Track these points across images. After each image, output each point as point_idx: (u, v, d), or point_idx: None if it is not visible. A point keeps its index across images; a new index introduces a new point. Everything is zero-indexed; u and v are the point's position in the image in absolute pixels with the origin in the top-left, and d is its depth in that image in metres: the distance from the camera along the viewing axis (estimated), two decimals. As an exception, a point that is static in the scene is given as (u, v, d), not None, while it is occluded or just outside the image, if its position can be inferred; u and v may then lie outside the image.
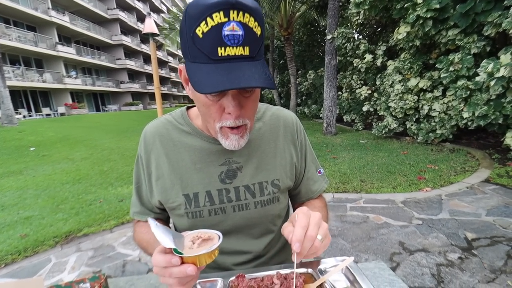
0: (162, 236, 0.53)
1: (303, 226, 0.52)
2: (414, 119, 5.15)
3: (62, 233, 2.69)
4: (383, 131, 5.59)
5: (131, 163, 5.13)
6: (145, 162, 0.78)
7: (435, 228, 2.37)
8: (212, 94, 0.56)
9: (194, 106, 0.80)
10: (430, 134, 4.86)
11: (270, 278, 0.72)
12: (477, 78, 3.72)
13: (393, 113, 5.33)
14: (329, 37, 6.56)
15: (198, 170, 0.76)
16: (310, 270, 0.75)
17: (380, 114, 5.99)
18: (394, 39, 5.14)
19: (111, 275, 2.00)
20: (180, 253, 0.50)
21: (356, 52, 6.54)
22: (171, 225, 0.92)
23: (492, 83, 3.44)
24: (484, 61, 3.62)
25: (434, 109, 4.66)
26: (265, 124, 0.81)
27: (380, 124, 5.75)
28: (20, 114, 15.61)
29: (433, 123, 4.80)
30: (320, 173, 0.89)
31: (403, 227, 2.43)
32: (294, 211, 0.96)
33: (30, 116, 16.98)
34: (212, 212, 0.77)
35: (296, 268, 0.60)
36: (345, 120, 8.11)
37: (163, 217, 0.87)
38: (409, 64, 4.95)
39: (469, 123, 4.12)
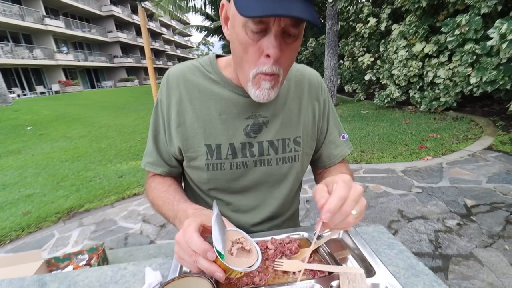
0: (217, 233, 0.47)
1: (341, 197, 0.49)
2: (418, 87, 4.99)
3: (64, 209, 2.72)
4: (385, 101, 5.45)
5: (129, 140, 5.09)
6: (166, 107, 0.75)
7: (434, 196, 2.37)
8: (253, 31, 0.53)
9: (222, 55, 0.78)
10: (434, 102, 4.73)
11: (264, 244, 0.68)
12: (489, 43, 3.51)
13: (396, 81, 5.15)
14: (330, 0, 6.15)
15: (223, 121, 0.73)
16: (306, 235, 0.72)
17: (382, 83, 5.81)
18: (400, 0, 4.80)
19: (110, 247, 2.04)
20: (221, 255, 0.46)
21: (359, 16, 6.17)
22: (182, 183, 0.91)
23: (503, 46, 3.24)
24: (498, 21, 3.39)
25: (439, 76, 4.49)
26: (290, 80, 0.78)
27: (382, 93, 5.60)
28: (14, 93, 15.31)
29: (437, 91, 4.65)
30: (343, 138, 0.86)
31: (403, 195, 2.43)
32: (316, 178, 0.93)
33: (25, 95, 16.68)
34: (233, 165, 0.75)
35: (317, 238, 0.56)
36: (346, 91, 7.91)
37: (177, 173, 0.85)
38: (414, 28, 4.68)
39: (474, 90, 3.98)
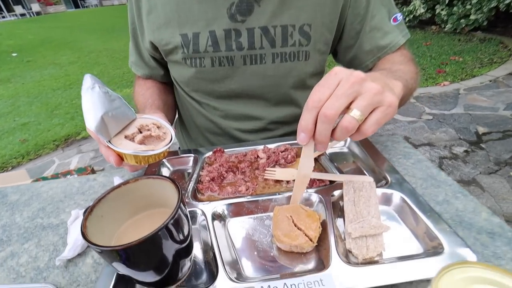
0: (90, 107, 0.40)
1: (318, 100, 0.33)
2: (447, 1, 4.30)
3: (61, 137, 2.68)
4: (407, 19, 4.80)
5: (122, 66, 4.77)
6: None
7: (445, 123, 2.23)
8: None
9: None
10: (462, 20, 4.14)
11: (254, 153, 0.57)
12: None
13: (423, -6, 4.44)
14: None
15: (199, 0, 0.57)
16: None
17: (405, -3, 5.03)
18: None
19: (102, 167, 2.05)
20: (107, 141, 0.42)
21: None
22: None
23: None
24: None
25: (474, -13, 3.80)
26: None
27: (404, 9, 4.89)
28: (-9, 15, 14.07)
29: (468, 6, 4.01)
30: (395, 20, 0.60)
31: (411, 122, 2.29)
32: None
33: (4, 17, 15.35)
34: (216, 61, 0.60)
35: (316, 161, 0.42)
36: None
37: (159, 76, 0.74)
38: None
39: (512, 5, 3.40)
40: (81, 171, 1.23)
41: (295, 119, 0.68)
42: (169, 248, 0.32)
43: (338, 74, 0.33)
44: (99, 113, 0.39)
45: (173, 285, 0.36)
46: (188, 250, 0.36)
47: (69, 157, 2.43)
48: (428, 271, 0.32)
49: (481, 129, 2.11)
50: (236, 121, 0.68)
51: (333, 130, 0.34)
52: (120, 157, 0.43)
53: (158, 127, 0.46)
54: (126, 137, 0.43)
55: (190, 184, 0.51)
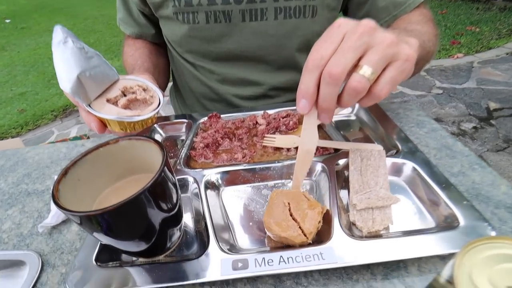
0: (63, 65, 0.34)
1: (320, 58, 0.27)
2: (466, -33, 3.95)
3: (59, 107, 2.63)
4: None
5: (119, 34, 4.55)
6: None
7: (455, 98, 2.14)
8: None
9: None
10: (481, -12, 3.83)
11: (253, 119, 0.53)
12: None
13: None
14: None
15: None
16: None
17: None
18: None
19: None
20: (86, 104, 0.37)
21: None
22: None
23: None
24: None
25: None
26: None
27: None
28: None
29: (489, -28, 3.69)
30: None
31: (420, 96, 2.20)
32: None
33: None
34: (211, 17, 0.54)
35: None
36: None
37: (150, 35, 0.67)
38: None
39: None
40: (76, 139, 1.20)
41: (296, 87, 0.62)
42: (155, 216, 0.29)
43: (342, 26, 0.28)
44: (75, 72, 0.33)
45: (161, 255, 0.33)
46: (177, 219, 0.33)
47: (67, 127, 2.40)
48: (441, 246, 0.29)
49: (493, 105, 2.03)
50: (234, 86, 0.63)
51: (339, 95, 0.29)
52: (103, 123, 0.38)
53: (144, 90, 0.41)
54: (108, 100, 0.38)
55: (183, 151, 0.47)
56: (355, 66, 0.27)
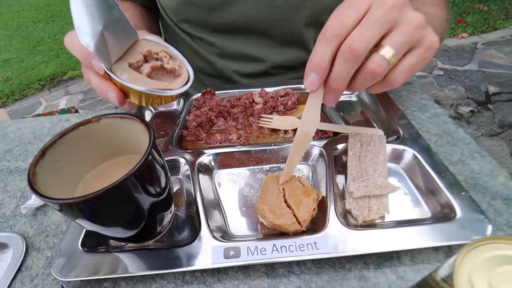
0: (85, 16, 0.27)
1: (341, 26, 0.23)
2: None
3: (46, 76, 2.52)
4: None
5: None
6: None
7: (456, 80, 2.11)
8: None
9: None
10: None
11: (249, 97, 0.50)
12: None
13: None
14: None
15: None
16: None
17: None
18: None
19: (89, 108, 1.96)
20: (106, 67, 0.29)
21: None
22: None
23: None
24: None
25: None
26: None
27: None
28: None
29: None
30: None
31: (420, 77, 2.16)
32: None
33: None
34: None
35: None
36: None
37: None
38: None
39: None
40: (64, 112, 1.15)
41: (303, 64, 0.58)
42: (142, 202, 0.27)
43: None
44: (99, 25, 0.27)
45: (151, 240, 0.32)
46: (166, 203, 0.32)
47: (56, 98, 2.32)
48: (436, 239, 0.28)
49: (492, 89, 2.01)
50: (234, 61, 0.59)
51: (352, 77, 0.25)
52: (124, 93, 0.31)
53: (170, 57, 0.34)
54: (130, 65, 0.31)
55: (175, 130, 0.45)
56: (376, 45, 0.24)
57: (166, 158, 0.39)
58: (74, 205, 0.23)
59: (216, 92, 0.51)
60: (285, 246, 0.28)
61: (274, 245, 0.28)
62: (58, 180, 0.28)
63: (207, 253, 0.28)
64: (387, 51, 0.23)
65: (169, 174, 0.31)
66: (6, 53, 2.99)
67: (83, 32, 0.27)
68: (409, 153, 0.38)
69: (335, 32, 0.23)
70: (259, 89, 0.50)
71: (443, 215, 0.31)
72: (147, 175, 0.26)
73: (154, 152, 0.26)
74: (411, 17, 0.24)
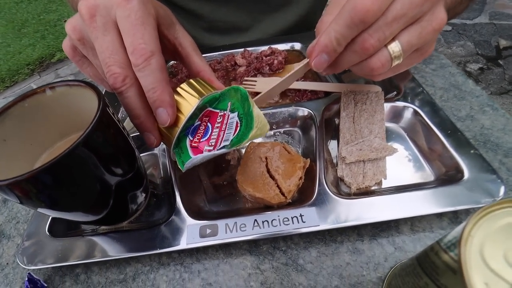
0: None
1: (373, 14, 0.20)
2: None
3: (34, 60, 2.43)
4: None
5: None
6: None
7: (464, 35, 1.97)
8: None
9: None
10: None
11: (230, 59, 0.44)
12: None
13: None
14: None
15: None
16: (298, 46, 0.47)
17: None
18: None
19: None
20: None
21: None
22: None
23: None
24: None
25: None
26: None
27: None
28: None
29: None
30: None
31: (426, 35, 2.02)
32: None
33: None
34: None
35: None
36: None
37: None
38: None
39: None
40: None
41: (301, 29, 0.51)
42: (106, 180, 0.24)
43: None
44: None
45: (124, 221, 0.30)
46: (137, 182, 0.28)
47: (47, 82, 2.25)
48: (439, 203, 0.25)
49: (503, 43, 1.87)
50: (223, 35, 0.52)
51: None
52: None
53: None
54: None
55: (149, 102, 0.40)
56: None
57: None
58: (16, 185, 0.20)
59: (194, 57, 0.46)
60: (267, 221, 0.25)
61: (255, 220, 0.25)
62: (6, 162, 0.24)
63: (181, 233, 0.25)
64: (395, 49, 0.22)
65: (135, 149, 0.27)
66: (-8, 38, 2.88)
67: None
68: (410, 110, 0.33)
69: (364, 18, 0.20)
70: (242, 50, 0.45)
71: (448, 177, 0.28)
72: (102, 146, 0.22)
73: (107, 117, 0.22)
74: (436, 16, 0.21)
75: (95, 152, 0.22)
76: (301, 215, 0.25)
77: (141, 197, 0.30)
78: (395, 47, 0.22)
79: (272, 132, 0.35)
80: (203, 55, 0.47)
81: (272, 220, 0.25)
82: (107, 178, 0.24)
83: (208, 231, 0.25)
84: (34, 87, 2.20)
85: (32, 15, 3.14)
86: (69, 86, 0.25)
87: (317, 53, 0.23)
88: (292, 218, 0.25)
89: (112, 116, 0.23)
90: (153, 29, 0.22)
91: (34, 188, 0.20)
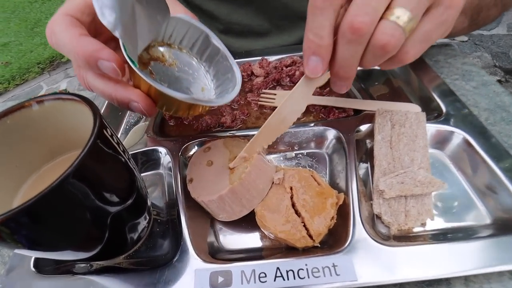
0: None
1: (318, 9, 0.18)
2: None
3: (45, 59, 2.45)
4: None
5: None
6: None
7: (481, 46, 1.91)
8: None
9: None
10: None
11: (247, 68, 0.40)
12: None
13: None
14: None
15: None
16: None
17: None
18: None
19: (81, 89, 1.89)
20: (133, 62, 0.20)
21: None
22: None
23: None
24: None
25: None
26: None
27: None
28: None
29: None
30: None
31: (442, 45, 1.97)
32: None
33: None
34: None
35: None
36: None
37: None
38: None
39: None
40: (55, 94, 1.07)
41: None
42: (100, 212, 0.20)
43: None
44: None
45: (122, 255, 0.25)
46: (137, 209, 0.24)
47: (56, 82, 2.26)
48: (501, 258, 0.20)
49: (523, 55, 1.81)
50: (238, 38, 0.48)
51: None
52: (151, 99, 0.23)
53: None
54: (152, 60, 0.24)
55: (157, 113, 0.37)
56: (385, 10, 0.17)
57: (142, 149, 0.31)
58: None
59: (207, 65, 0.42)
60: (292, 271, 0.20)
61: (277, 268, 0.21)
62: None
63: (188, 278, 0.21)
64: (400, 15, 0.17)
65: (136, 172, 0.23)
66: (5, 36, 2.91)
67: (107, 4, 0.18)
68: (457, 135, 0.29)
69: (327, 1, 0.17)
70: (259, 58, 0.41)
71: (508, 221, 0.23)
72: (95, 173, 0.18)
73: (104, 141, 0.18)
74: None
75: (87, 183, 0.18)
76: (334, 266, 0.20)
77: (142, 224, 0.26)
78: (399, 13, 0.17)
79: (293, 154, 0.31)
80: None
81: (299, 270, 0.20)
82: (102, 210, 0.20)
83: (221, 279, 0.21)
84: (44, 86, 2.21)
85: (45, 15, 3.18)
86: (62, 100, 0.21)
87: (305, 58, 0.19)
88: (323, 268, 0.20)
89: (110, 138, 0.19)
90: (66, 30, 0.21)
91: (7, 229, 0.16)
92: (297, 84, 0.22)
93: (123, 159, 0.21)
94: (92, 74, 0.23)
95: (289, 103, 0.22)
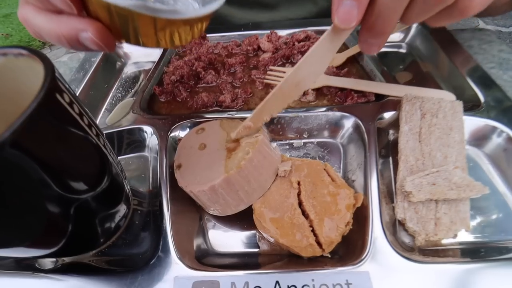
0: None
1: None
2: None
3: (46, 33, 2.37)
4: None
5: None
6: None
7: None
8: None
9: None
10: None
11: (254, 41, 0.34)
12: None
13: None
14: None
15: None
16: None
17: None
18: None
19: None
20: None
21: None
22: None
23: None
24: None
25: None
26: None
27: None
28: None
29: None
30: None
31: (459, 39, 1.88)
32: None
33: None
34: None
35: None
36: None
37: None
38: None
39: None
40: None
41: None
42: (58, 200, 0.16)
43: None
44: None
45: (91, 250, 0.21)
46: (110, 199, 0.20)
47: (57, 57, 2.18)
48: None
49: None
50: (242, 8, 0.43)
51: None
52: (106, 25, 0.17)
53: None
54: None
55: (146, 87, 0.32)
56: None
57: (125, 127, 0.27)
58: None
59: (208, 36, 0.37)
60: (295, 286, 0.16)
61: (277, 283, 0.16)
62: None
63: (165, 287, 0.17)
64: None
65: (111, 152, 0.19)
66: (7, 7, 2.81)
67: None
68: (500, 132, 0.24)
69: None
70: (268, 31, 0.35)
71: None
72: (43, 149, 0.14)
73: (56, 109, 0.14)
74: None
75: (34, 156, 0.13)
76: (348, 284, 0.16)
77: (117, 216, 0.22)
78: None
79: (302, 142, 0.26)
80: (219, 34, 0.39)
81: (304, 286, 0.16)
82: (59, 196, 0.16)
83: (205, 291, 0.16)
84: (43, 60, 2.16)
85: (47, -13, 3.08)
86: (14, 56, 0.17)
87: (338, 1, 0.15)
88: (334, 286, 0.16)
89: (68, 106, 0.15)
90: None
91: None
92: (320, 39, 0.17)
93: (89, 137, 0.17)
94: (32, 9, 0.18)
95: (308, 62, 0.18)
